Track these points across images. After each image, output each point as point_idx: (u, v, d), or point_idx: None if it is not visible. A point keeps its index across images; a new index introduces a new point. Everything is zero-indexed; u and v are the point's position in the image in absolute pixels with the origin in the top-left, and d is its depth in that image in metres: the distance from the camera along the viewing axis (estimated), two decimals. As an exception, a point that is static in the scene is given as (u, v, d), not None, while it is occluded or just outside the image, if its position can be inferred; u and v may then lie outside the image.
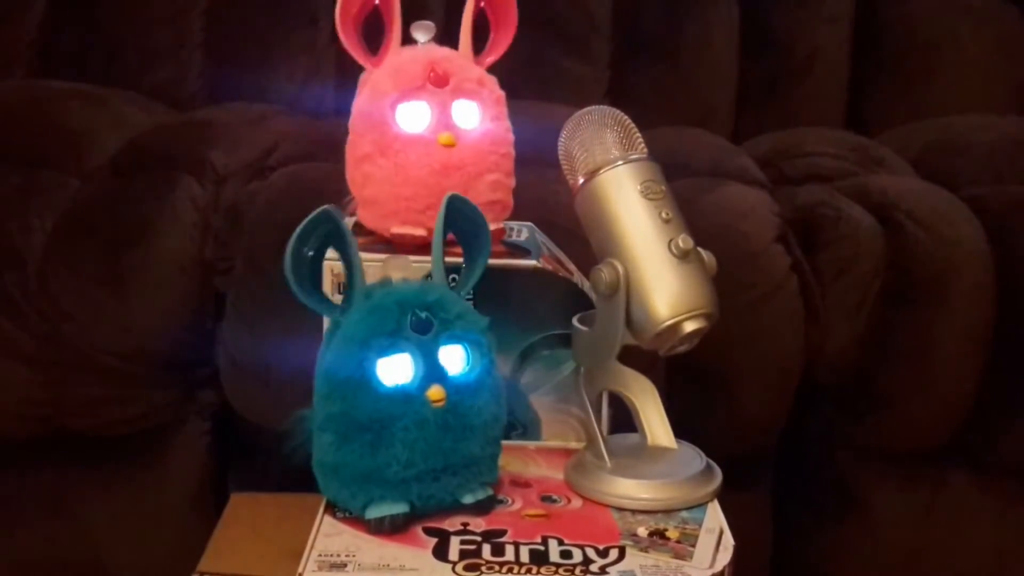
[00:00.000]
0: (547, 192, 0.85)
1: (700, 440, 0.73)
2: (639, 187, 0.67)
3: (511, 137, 0.77)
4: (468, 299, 0.70)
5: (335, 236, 0.63)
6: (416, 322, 0.63)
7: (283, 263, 0.61)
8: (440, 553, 0.61)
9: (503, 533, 0.64)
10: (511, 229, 0.81)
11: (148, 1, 1.36)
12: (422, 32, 0.77)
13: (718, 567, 0.61)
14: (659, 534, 0.65)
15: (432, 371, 0.63)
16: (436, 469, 0.64)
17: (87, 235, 0.92)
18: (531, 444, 0.77)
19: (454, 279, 0.69)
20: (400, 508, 0.64)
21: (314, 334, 0.69)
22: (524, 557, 0.61)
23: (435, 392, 0.62)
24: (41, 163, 0.98)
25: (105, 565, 1.01)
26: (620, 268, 0.66)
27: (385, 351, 0.62)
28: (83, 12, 1.36)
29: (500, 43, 0.79)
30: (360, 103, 0.75)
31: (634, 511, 0.67)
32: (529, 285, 0.74)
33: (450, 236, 0.67)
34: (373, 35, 0.77)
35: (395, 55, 0.76)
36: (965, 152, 1.09)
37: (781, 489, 1.01)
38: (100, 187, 0.96)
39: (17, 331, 0.91)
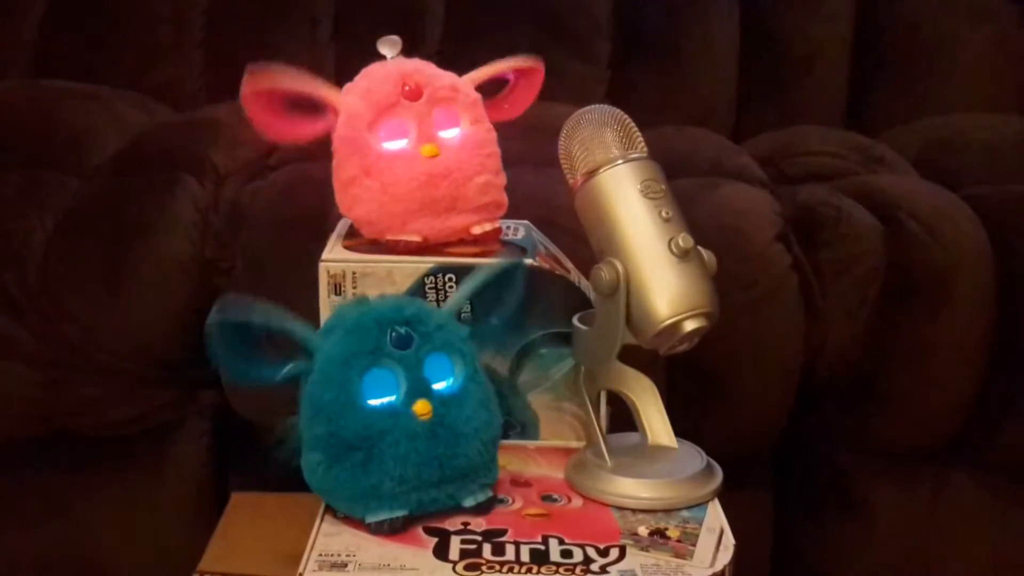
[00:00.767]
0: (546, 191, 0.85)
1: (700, 439, 0.73)
2: (639, 186, 0.67)
3: (493, 136, 0.77)
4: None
5: (243, 331, 0.61)
6: (396, 338, 0.63)
7: (255, 309, 0.61)
8: (440, 553, 0.62)
9: (503, 532, 0.64)
10: (507, 227, 0.81)
11: (148, 1, 1.36)
12: (388, 47, 0.77)
13: (718, 566, 0.61)
14: (660, 533, 0.65)
15: (416, 385, 0.63)
16: (433, 479, 0.64)
17: (87, 235, 0.92)
18: (531, 443, 0.77)
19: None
20: (400, 513, 0.64)
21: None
22: (525, 556, 0.61)
23: (421, 406, 0.63)
24: (41, 163, 0.98)
25: (105, 565, 1.00)
26: (620, 267, 0.66)
27: (368, 369, 0.62)
28: (83, 12, 1.36)
29: (518, 104, 0.80)
30: (339, 128, 0.75)
31: (635, 510, 0.67)
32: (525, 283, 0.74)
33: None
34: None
35: (364, 77, 0.76)
36: (965, 151, 1.09)
37: (781, 489, 1.01)
38: (100, 187, 0.96)
39: (17, 331, 0.91)
